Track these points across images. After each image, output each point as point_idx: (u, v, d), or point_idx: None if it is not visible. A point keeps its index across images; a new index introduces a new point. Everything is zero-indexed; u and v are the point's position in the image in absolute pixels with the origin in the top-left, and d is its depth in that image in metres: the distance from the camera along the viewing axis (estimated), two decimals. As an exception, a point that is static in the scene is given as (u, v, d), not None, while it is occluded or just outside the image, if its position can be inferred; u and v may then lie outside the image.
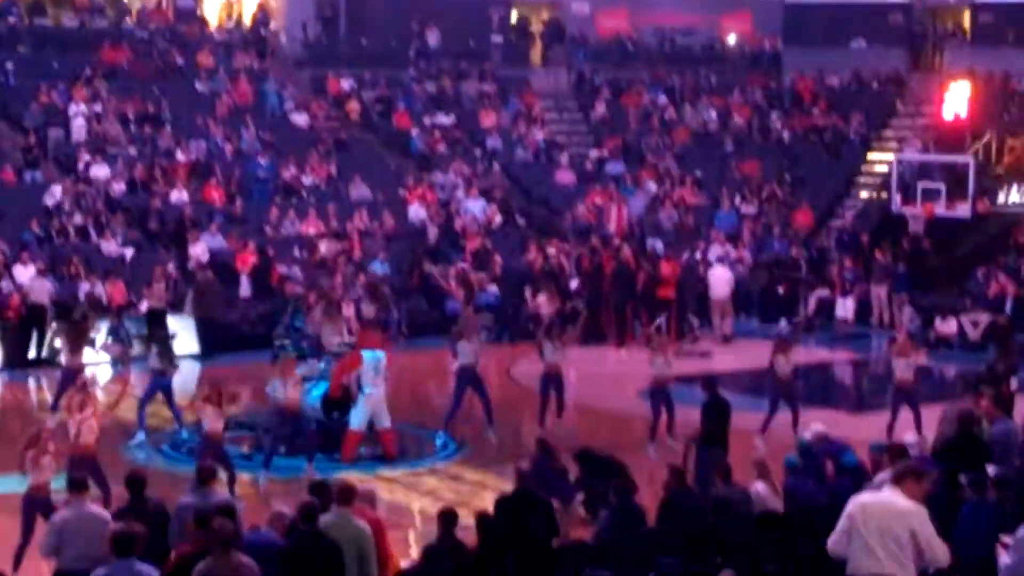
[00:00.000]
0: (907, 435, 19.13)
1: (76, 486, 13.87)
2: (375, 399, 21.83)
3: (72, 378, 23.37)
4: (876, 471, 16.61)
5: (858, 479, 16.44)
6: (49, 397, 24.76)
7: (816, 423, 18.85)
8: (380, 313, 28.53)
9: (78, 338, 24.36)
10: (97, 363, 27.51)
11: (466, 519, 14.79)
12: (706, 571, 12.66)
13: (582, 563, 14.28)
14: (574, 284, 32.78)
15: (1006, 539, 12.50)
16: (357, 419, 21.83)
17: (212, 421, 19.43)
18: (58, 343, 25.30)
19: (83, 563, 12.73)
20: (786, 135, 41.04)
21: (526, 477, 15.10)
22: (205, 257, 31.88)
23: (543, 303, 30.83)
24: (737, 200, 38.03)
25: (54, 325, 25.62)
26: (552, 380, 23.56)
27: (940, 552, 11.23)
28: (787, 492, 16.74)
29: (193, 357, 29.55)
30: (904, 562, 11.10)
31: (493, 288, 32.43)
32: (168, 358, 23.38)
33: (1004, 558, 11.69)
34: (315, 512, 13.24)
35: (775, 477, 16.92)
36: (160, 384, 23.07)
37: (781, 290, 34.15)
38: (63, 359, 24.24)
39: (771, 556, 13.32)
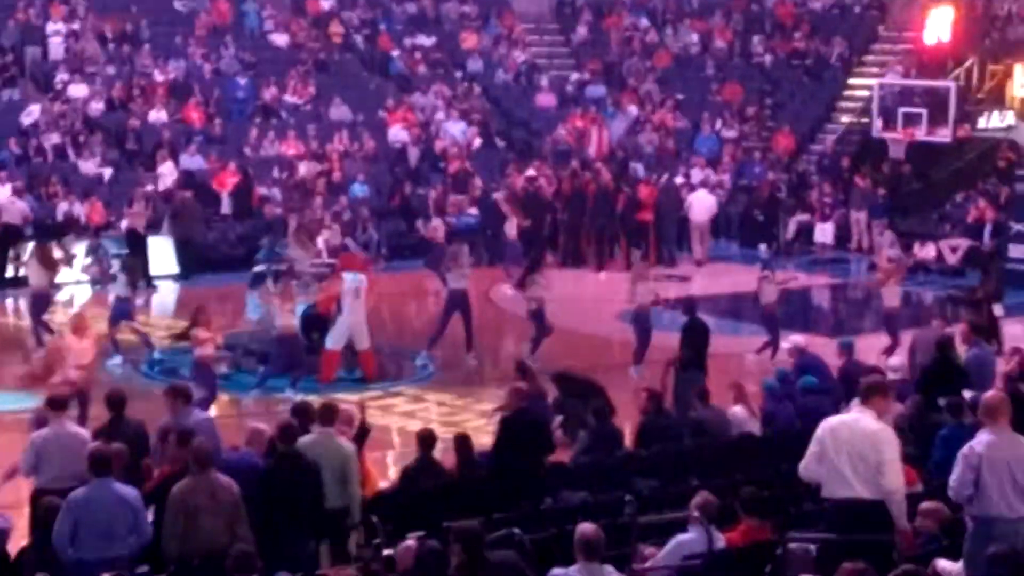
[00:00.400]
0: (893, 359, 19.29)
1: (55, 405, 13.89)
2: (354, 321, 21.87)
3: (41, 300, 23.41)
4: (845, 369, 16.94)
5: (822, 395, 16.66)
6: (25, 319, 24.73)
7: (795, 335, 19.01)
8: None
9: (47, 260, 24.29)
10: (69, 284, 27.52)
11: (445, 441, 14.87)
12: (682, 493, 12.72)
13: (559, 485, 14.36)
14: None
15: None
16: (334, 340, 21.87)
17: (205, 345, 19.46)
18: (27, 264, 25.15)
19: (62, 482, 12.77)
20: (767, 59, 40.88)
21: (525, 395, 15.11)
22: (172, 178, 31.72)
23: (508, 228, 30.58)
24: (718, 124, 37.96)
25: (27, 246, 25.50)
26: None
27: (892, 477, 11.17)
28: (765, 416, 16.84)
29: (172, 277, 29.52)
30: (876, 484, 11.13)
31: (473, 211, 32.35)
32: (143, 280, 23.37)
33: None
34: (294, 432, 13.29)
35: (753, 401, 17.03)
36: (123, 310, 23.04)
37: (760, 214, 34.16)
38: (31, 281, 24.13)
39: (748, 478, 13.39)
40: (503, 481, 13.86)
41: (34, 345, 23.44)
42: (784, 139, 37.74)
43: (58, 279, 25.38)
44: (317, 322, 22.34)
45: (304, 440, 13.16)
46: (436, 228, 29.42)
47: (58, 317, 24.44)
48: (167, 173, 31.90)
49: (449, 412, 20.60)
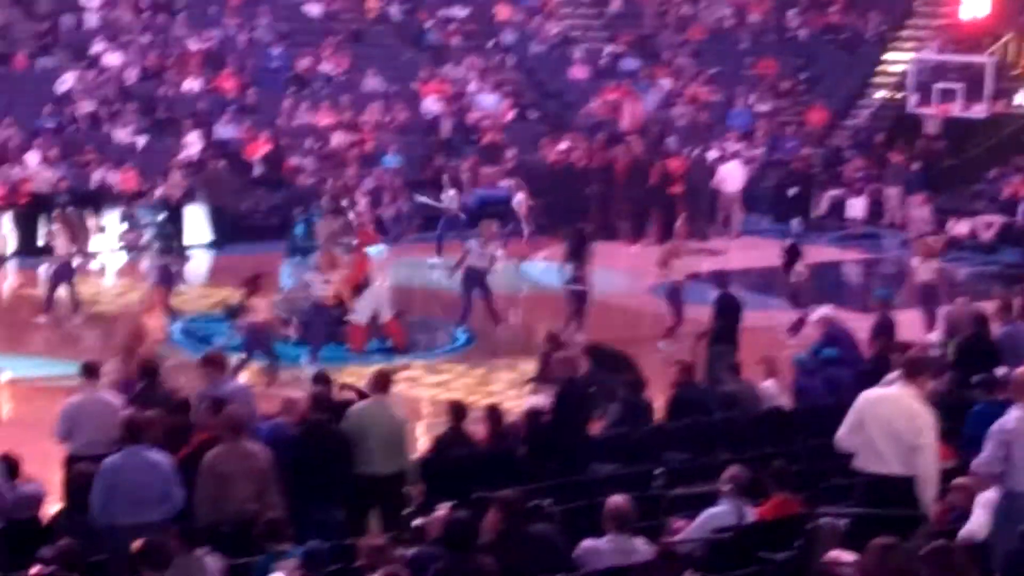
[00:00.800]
0: (932, 334, 19.24)
1: (88, 372, 13.96)
2: (378, 292, 22.00)
3: (65, 269, 23.51)
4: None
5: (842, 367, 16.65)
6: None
7: (824, 307, 18.99)
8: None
9: (73, 228, 24.37)
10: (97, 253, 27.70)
11: (475, 410, 14.90)
12: (713, 466, 12.72)
13: (590, 457, 14.38)
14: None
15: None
16: (361, 312, 21.95)
17: (261, 312, 19.58)
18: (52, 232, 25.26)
19: (94, 448, 12.85)
20: (803, 33, 40.70)
21: (573, 365, 15.13)
22: (199, 147, 31.78)
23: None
24: (751, 98, 37.81)
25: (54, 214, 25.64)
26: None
27: (928, 463, 11.14)
28: (796, 391, 16.83)
29: (205, 246, 29.62)
30: (910, 462, 11.11)
31: (505, 183, 32.30)
32: (177, 249, 23.48)
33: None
34: (325, 401, 13.36)
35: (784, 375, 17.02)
36: (164, 276, 23.17)
37: (793, 189, 34.03)
38: (57, 249, 24.20)
39: (778, 452, 13.38)
40: (553, 452, 13.90)
41: (44, 312, 23.52)
42: (818, 113, 37.59)
43: (89, 248, 25.50)
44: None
45: (356, 407, 13.28)
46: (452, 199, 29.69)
47: (87, 287, 24.64)
48: (194, 142, 31.96)
49: (479, 383, 20.62)
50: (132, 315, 22.12)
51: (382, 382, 13.60)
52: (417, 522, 11.05)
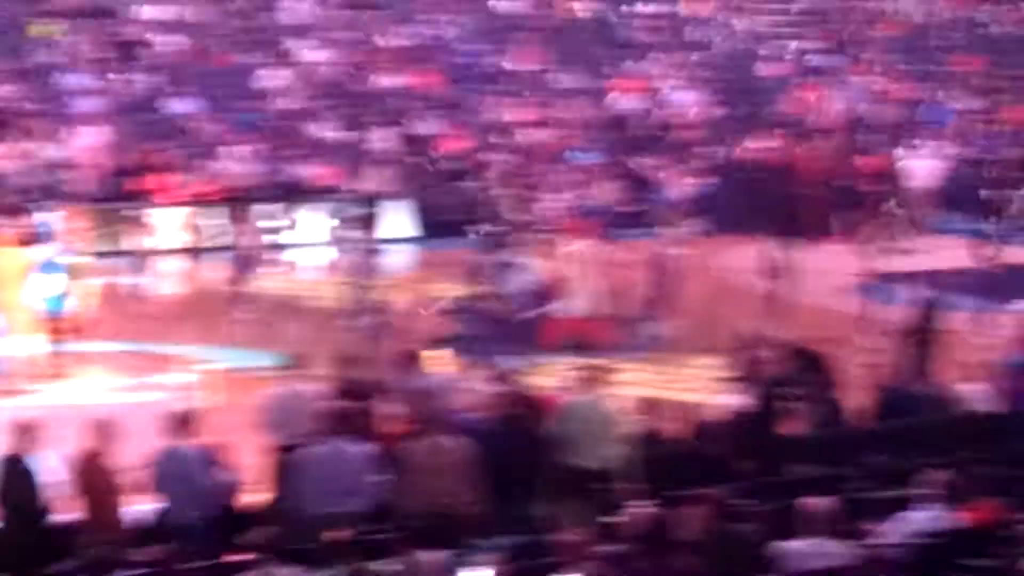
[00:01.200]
0: None
1: (292, 363, 14.20)
2: (581, 287, 22.03)
3: (249, 261, 23.99)
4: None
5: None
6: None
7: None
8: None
9: (246, 220, 24.86)
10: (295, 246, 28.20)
11: (672, 407, 14.86)
12: (913, 469, 12.54)
13: (787, 458, 14.27)
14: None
15: None
16: (563, 306, 22.00)
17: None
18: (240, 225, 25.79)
19: (296, 439, 13.05)
20: (998, 30, 39.91)
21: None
22: (394, 143, 32.12)
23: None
24: (946, 95, 37.18)
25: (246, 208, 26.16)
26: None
27: None
28: (1001, 393, 16.49)
29: (403, 241, 29.96)
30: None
31: (696, 180, 32.16)
32: (374, 244, 23.83)
33: None
34: (523, 396, 13.42)
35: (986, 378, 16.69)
36: (366, 269, 23.52)
37: (988, 188, 33.36)
38: (247, 241, 24.65)
39: (981, 456, 13.14)
40: (753, 451, 13.86)
41: (229, 303, 24.03)
42: (1017, 113, 36.84)
43: (282, 241, 25.94)
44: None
45: (572, 400, 13.31)
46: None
47: (287, 280, 25.07)
48: (392, 138, 32.33)
49: (675, 379, 20.55)
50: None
51: (591, 378, 13.64)
52: (617, 519, 11.06)
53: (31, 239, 20.26)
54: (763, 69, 38.61)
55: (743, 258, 26.34)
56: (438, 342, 20.07)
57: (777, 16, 41.95)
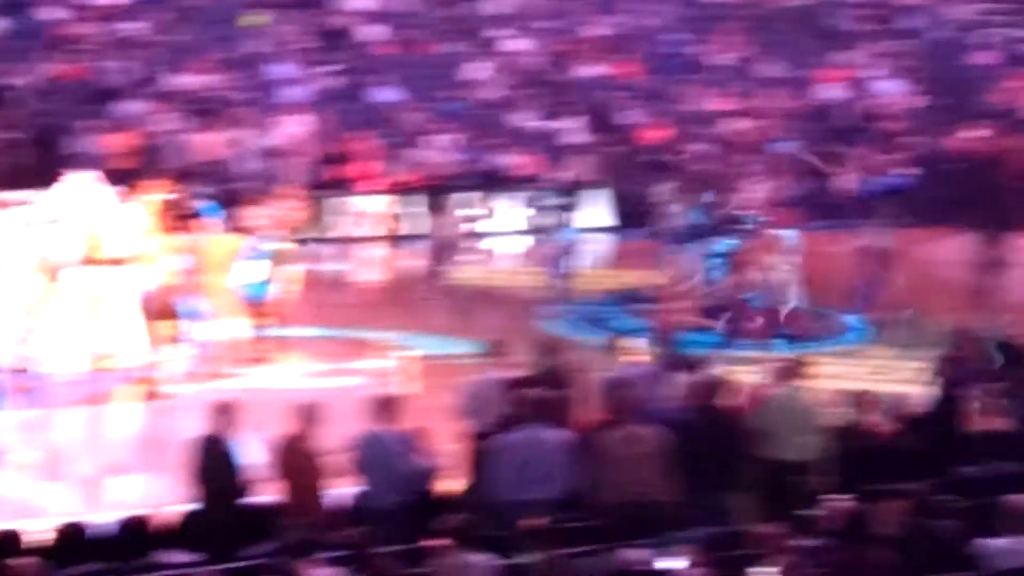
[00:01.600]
0: None
1: (493, 350, 14.27)
2: (783, 278, 21.80)
3: (443, 247, 24.22)
4: None
5: None
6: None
7: None
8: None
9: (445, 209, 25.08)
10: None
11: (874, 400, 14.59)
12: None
13: (989, 454, 13.97)
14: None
15: None
16: (773, 298, 21.84)
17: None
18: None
19: (494, 426, 13.10)
20: None
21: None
22: (596, 133, 32.08)
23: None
24: None
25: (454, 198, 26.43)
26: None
27: None
28: None
29: (604, 230, 29.97)
30: None
31: (903, 170, 31.65)
32: (574, 232, 23.90)
33: None
34: (715, 389, 13.32)
35: None
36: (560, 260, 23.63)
37: None
38: (437, 231, 24.87)
39: None
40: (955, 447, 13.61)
41: (427, 290, 24.25)
42: None
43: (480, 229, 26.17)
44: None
45: (772, 392, 13.22)
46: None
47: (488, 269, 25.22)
48: (594, 127, 32.34)
49: (875, 372, 20.24)
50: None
51: (792, 371, 13.51)
52: (814, 512, 10.93)
53: (236, 226, 20.62)
54: (972, 58, 37.81)
55: (948, 250, 25.87)
56: (633, 331, 20.01)
57: (988, 3, 41.06)
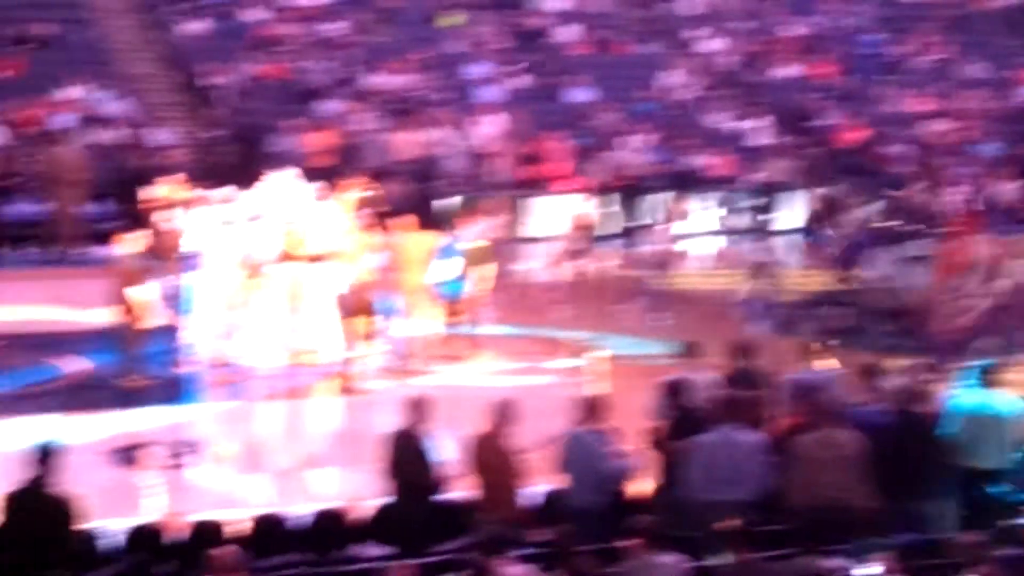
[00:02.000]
0: None
1: (689, 351, 14.24)
2: (974, 284, 21.40)
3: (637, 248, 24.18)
4: None
5: None
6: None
7: None
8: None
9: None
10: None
11: None
12: None
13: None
14: None
15: None
16: (953, 303, 21.43)
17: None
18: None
19: (686, 427, 13.02)
20: None
21: None
22: (785, 133, 31.80)
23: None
24: None
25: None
26: None
27: None
28: None
29: (801, 231, 29.73)
30: None
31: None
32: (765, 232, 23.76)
33: None
34: (913, 395, 13.11)
35: None
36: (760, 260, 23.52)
37: None
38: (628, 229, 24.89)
39: None
40: None
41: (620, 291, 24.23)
42: None
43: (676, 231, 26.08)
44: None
45: (968, 399, 12.99)
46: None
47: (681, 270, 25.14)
48: (786, 128, 32.07)
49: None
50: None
51: (989, 377, 13.27)
52: (1015, 522, 10.72)
53: (432, 224, 20.80)
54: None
55: None
56: (827, 334, 19.80)
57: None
